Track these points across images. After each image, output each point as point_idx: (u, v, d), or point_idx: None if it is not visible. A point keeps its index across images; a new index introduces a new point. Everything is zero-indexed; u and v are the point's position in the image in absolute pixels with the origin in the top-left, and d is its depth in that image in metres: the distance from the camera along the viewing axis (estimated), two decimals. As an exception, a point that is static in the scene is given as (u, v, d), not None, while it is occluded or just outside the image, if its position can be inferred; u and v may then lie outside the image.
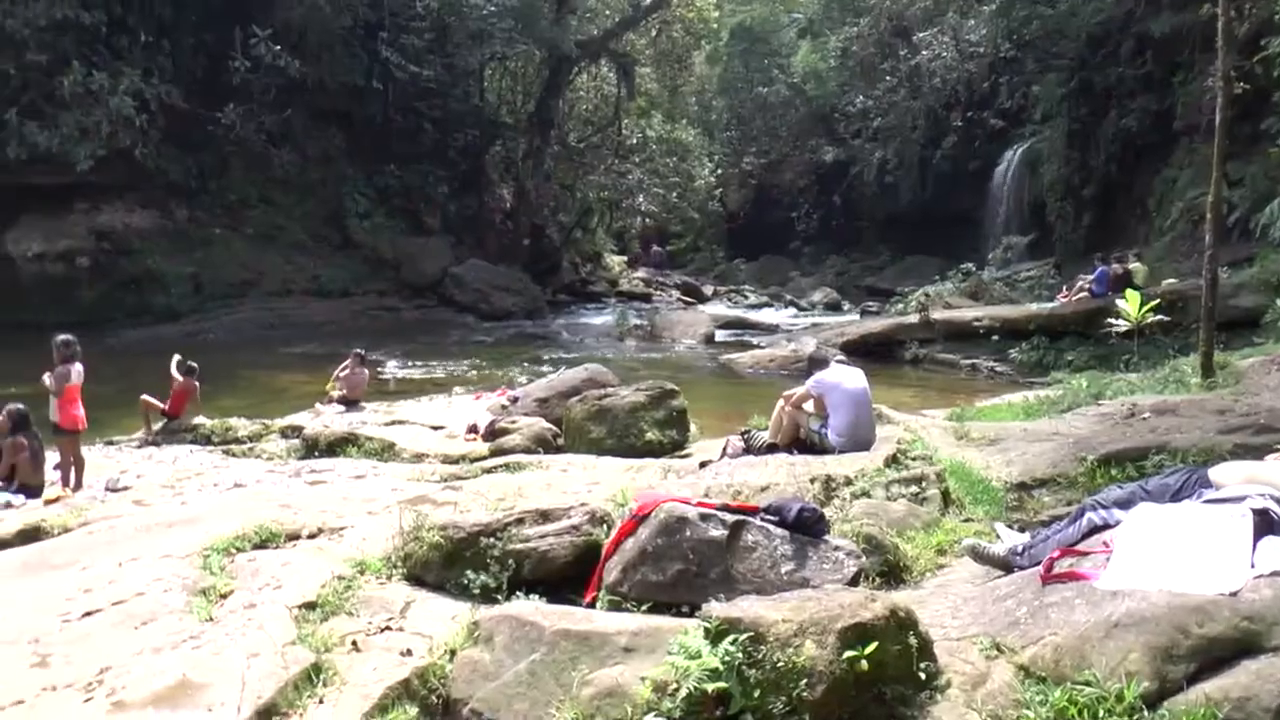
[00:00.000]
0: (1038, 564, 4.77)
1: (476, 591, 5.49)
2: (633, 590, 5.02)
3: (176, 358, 15.10)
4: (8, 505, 9.92)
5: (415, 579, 5.84)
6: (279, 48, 30.12)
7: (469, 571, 5.58)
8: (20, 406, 10.88)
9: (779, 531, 5.20)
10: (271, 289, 31.90)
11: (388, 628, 5.16)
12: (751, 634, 3.82)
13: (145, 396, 14.38)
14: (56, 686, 4.68)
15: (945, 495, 7.11)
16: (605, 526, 5.76)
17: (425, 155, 37.24)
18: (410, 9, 35.13)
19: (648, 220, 52.03)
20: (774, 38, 55.39)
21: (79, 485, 10.67)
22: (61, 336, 10.86)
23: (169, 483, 10.59)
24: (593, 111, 46.57)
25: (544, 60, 40.59)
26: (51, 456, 11.04)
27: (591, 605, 5.06)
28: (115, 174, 29.40)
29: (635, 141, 44.69)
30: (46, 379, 10.71)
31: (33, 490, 10.47)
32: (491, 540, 5.65)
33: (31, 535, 8.12)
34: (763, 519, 5.28)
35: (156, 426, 14.25)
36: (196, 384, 14.70)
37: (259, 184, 33.33)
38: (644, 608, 4.83)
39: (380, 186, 35.80)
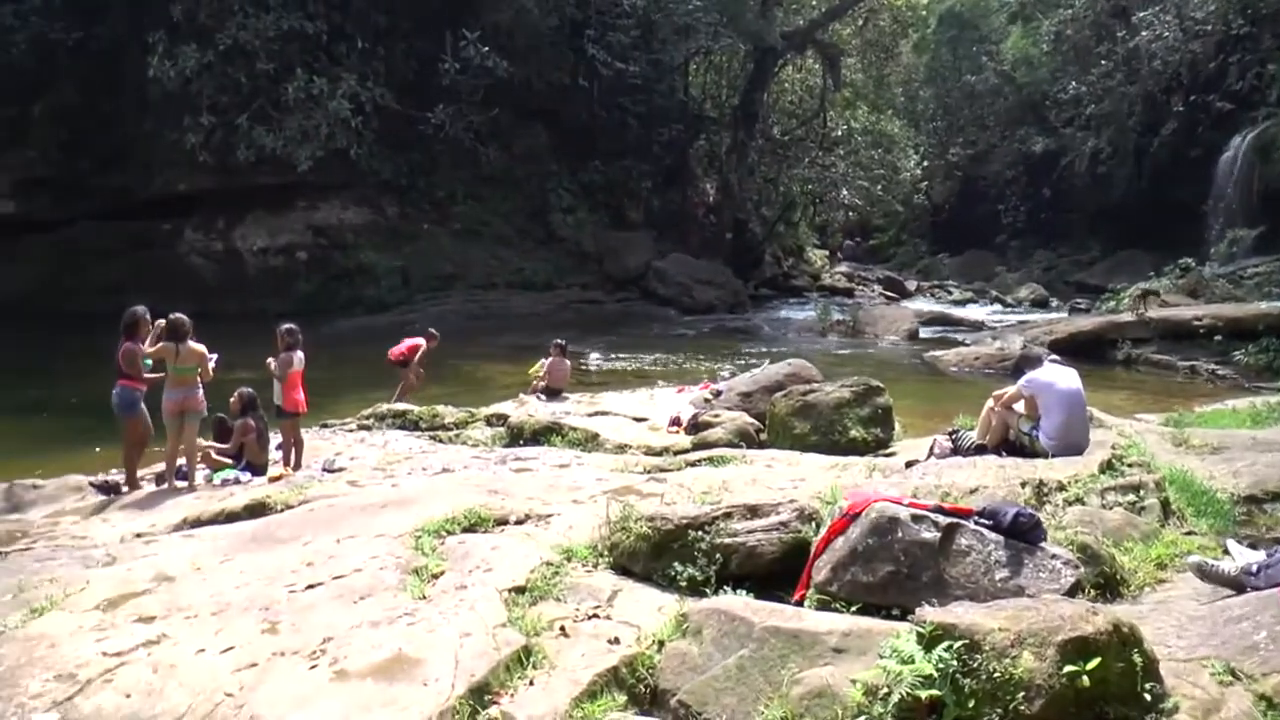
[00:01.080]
0: (1276, 585, 4.42)
1: (683, 584, 5.47)
2: (842, 590, 4.92)
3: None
4: (236, 481, 10.57)
5: (622, 568, 5.88)
6: (487, 49, 30.99)
7: (676, 563, 5.58)
8: (250, 390, 11.56)
9: (993, 536, 5.00)
10: (476, 282, 32.90)
11: (595, 615, 5.21)
12: (967, 641, 3.67)
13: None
14: (285, 652, 4.94)
15: (1165, 505, 6.71)
16: (814, 524, 5.66)
17: (629, 150, 37.69)
18: (616, 6, 35.56)
19: (851, 214, 51.18)
20: (984, 23, 53.54)
21: (299, 465, 11.23)
22: (285, 325, 11.38)
23: (380, 465, 11.05)
24: (797, 104, 46.11)
25: (748, 53, 40.42)
26: (274, 437, 11.68)
27: (799, 603, 4.98)
28: (332, 173, 31.11)
29: (840, 133, 43.94)
30: (271, 364, 11.26)
31: (258, 468, 11.12)
32: (699, 534, 5.63)
33: (258, 510, 8.63)
34: (977, 523, 5.09)
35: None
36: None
37: (466, 181, 34.44)
38: (853, 608, 4.73)
39: (584, 182, 36.41)
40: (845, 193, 44.42)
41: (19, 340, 25.27)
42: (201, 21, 29.51)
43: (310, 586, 5.81)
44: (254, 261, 32.55)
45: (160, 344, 10.17)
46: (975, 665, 3.63)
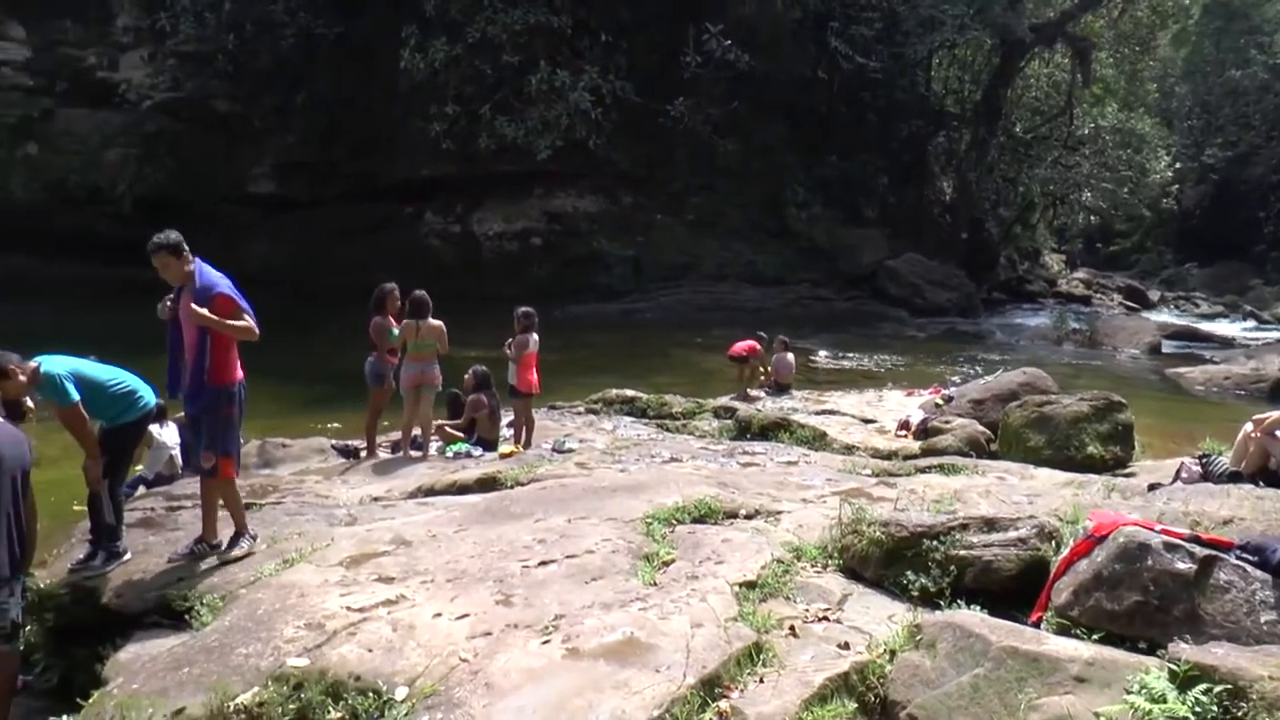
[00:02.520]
0: None
1: (915, 593, 5.39)
2: (1083, 616, 4.71)
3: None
4: (468, 455, 11.01)
5: (851, 572, 5.84)
6: (729, 42, 30.99)
7: (909, 572, 5.50)
8: (483, 368, 12.01)
9: (1258, 574, 4.66)
10: (707, 273, 33.10)
11: (825, 618, 5.20)
12: (1229, 686, 3.48)
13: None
14: (518, 625, 5.13)
15: None
16: (1053, 543, 5.46)
17: (866, 146, 37.08)
18: (861, -1, 35.09)
19: (1093, 217, 48.78)
20: (1256, 13, 49.80)
21: (529, 444, 11.59)
22: (522, 309, 11.68)
23: (609, 450, 11.29)
24: (1042, 100, 44.08)
25: (994, 47, 39.05)
26: (505, 415, 12.11)
27: (1036, 625, 4.82)
28: (570, 163, 31.86)
29: (1086, 132, 41.65)
30: (507, 346, 11.61)
31: (489, 444, 11.54)
32: (934, 543, 5.52)
33: (489, 484, 8.99)
34: (1238, 557, 4.75)
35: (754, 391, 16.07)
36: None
37: (701, 173, 34.56)
38: (1095, 636, 4.53)
39: (820, 176, 36.03)
40: (1088, 195, 42.35)
41: (271, 310, 26.90)
42: (452, 16, 30.75)
43: (543, 563, 6.01)
44: (490, 245, 33.79)
45: (403, 321, 10.69)
46: (1239, 714, 3.43)
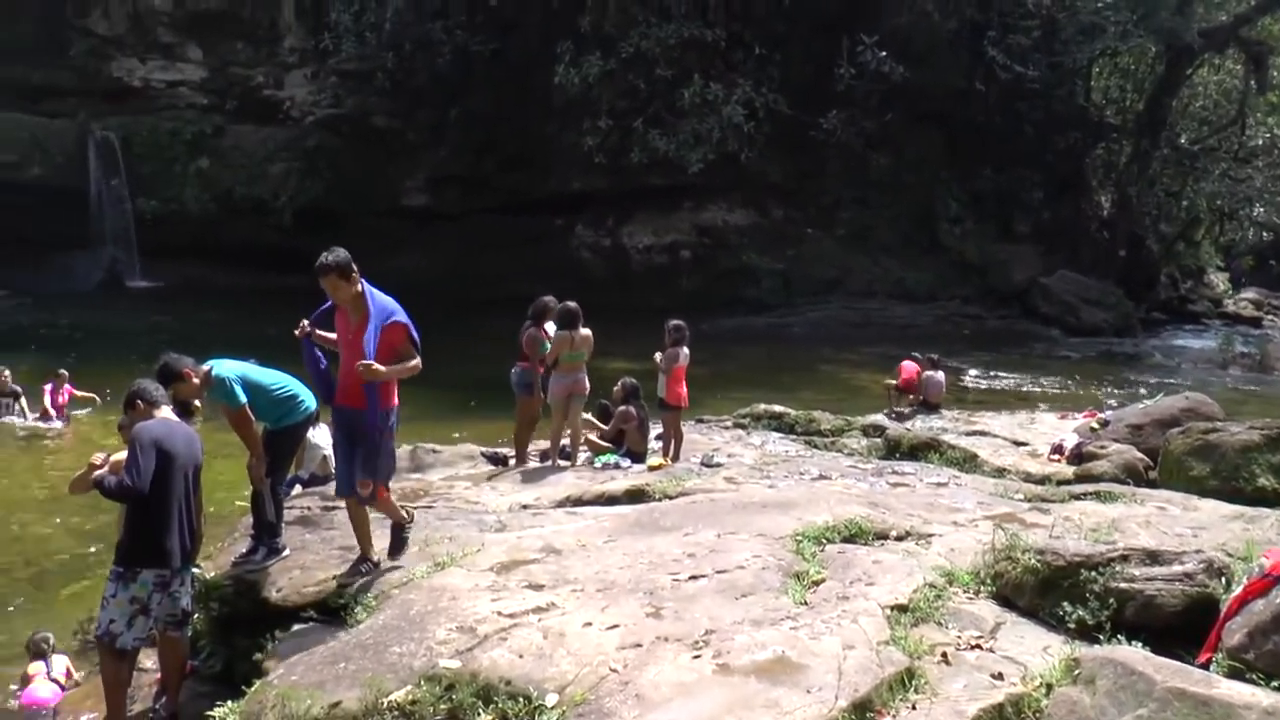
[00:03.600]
0: None
1: (1072, 625, 5.25)
2: (1259, 660, 4.49)
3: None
4: (616, 466, 11.09)
5: (1004, 600, 5.72)
6: (884, 54, 30.67)
7: (1065, 603, 5.35)
8: (633, 380, 12.09)
9: None
10: (856, 289, 32.76)
11: (977, 646, 5.11)
12: None
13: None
14: (668, 638, 5.17)
15: None
16: (1223, 580, 5.25)
17: (1021, 158, 36.10)
18: (1020, 7, 34.09)
19: (1265, 234, 46.39)
20: None
21: (677, 457, 11.59)
22: (674, 321, 11.65)
23: (757, 465, 11.28)
24: (1210, 109, 41.92)
25: (1159, 54, 37.44)
26: (654, 428, 12.17)
27: (1205, 666, 4.65)
28: (720, 176, 31.93)
29: (1260, 142, 39.37)
30: (658, 358, 11.62)
31: (637, 456, 11.58)
32: (1092, 574, 5.37)
33: (637, 496, 9.06)
34: None
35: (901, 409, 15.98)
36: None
37: (853, 186, 34.25)
38: (1274, 683, 4.34)
39: (973, 190, 35.30)
40: (1260, 209, 40.21)
41: (423, 319, 27.74)
42: (606, 31, 31.26)
43: (693, 577, 6.05)
44: (639, 258, 34.17)
45: (557, 331, 10.79)
46: None
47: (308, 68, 36.08)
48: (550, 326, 10.72)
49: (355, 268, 6.48)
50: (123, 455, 6.16)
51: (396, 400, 6.74)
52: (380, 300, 6.51)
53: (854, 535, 6.92)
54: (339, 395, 6.71)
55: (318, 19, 34.53)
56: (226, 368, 6.98)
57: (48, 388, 16.41)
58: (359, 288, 6.47)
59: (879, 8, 32.75)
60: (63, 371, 16.59)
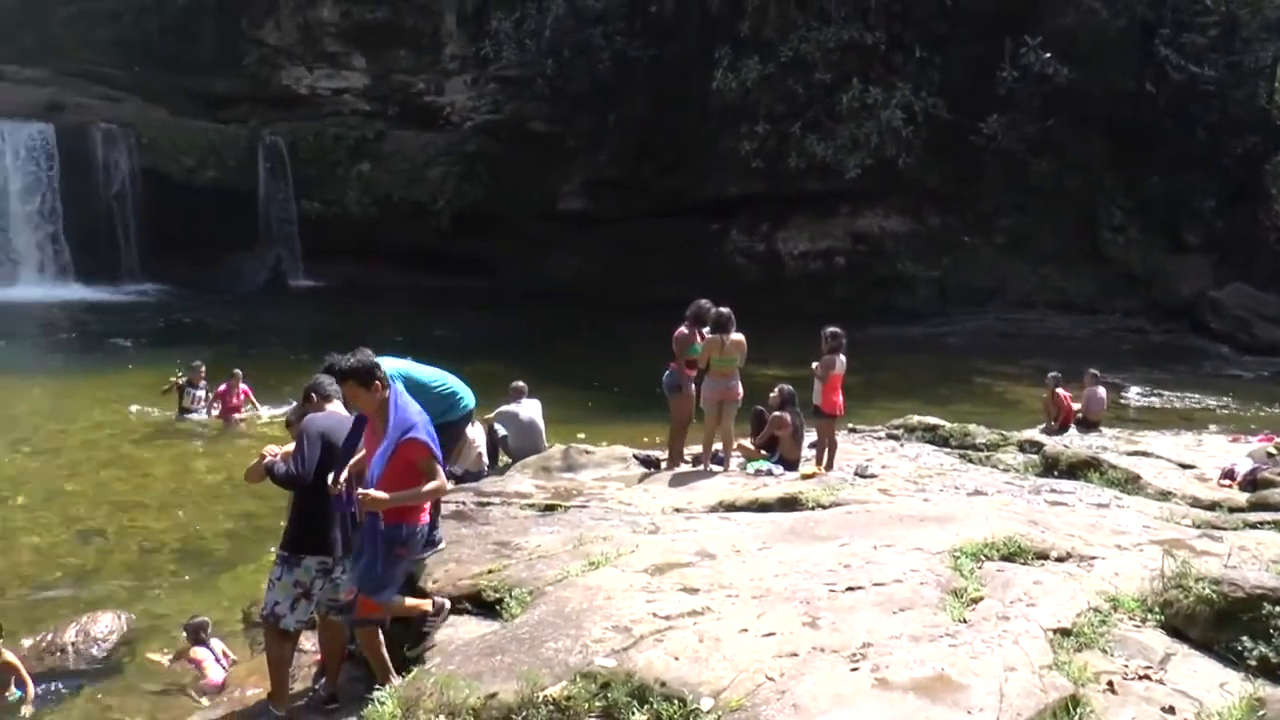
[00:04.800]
0: None
1: (1252, 662, 4.97)
2: None
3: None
4: (769, 473, 11.06)
5: (1174, 630, 5.47)
6: (1048, 55, 29.82)
7: (1244, 637, 5.08)
8: (789, 387, 12.05)
9: None
10: (1014, 298, 31.96)
11: (1146, 676, 4.89)
12: None
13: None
14: (824, 649, 5.09)
15: None
16: None
17: (1193, 164, 34.40)
18: (1196, 4, 32.59)
19: None
20: None
21: (830, 465, 11.48)
22: (831, 329, 11.50)
23: (912, 478, 11.05)
24: None
25: (1352, 53, 35.44)
26: (808, 435, 12.10)
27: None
28: (877, 181, 31.56)
29: None
30: (814, 366, 11.53)
31: (790, 463, 11.54)
32: (1276, 608, 5.09)
33: (790, 503, 9.02)
34: None
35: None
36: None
37: (1013, 192, 33.37)
38: None
39: (1139, 197, 33.90)
40: None
41: (579, 321, 28.36)
42: (766, 35, 31.24)
43: (850, 589, 5.95)
44: (793, 265, 34.09)
45: (709, 336, 10.76)
46: None
47: (468, 74, 37.27)
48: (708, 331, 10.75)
49: (380, 373, 5.90)
50: (293, 447, 6.43)
51: (424, 519, 6.19)
52: (403, 412, 5.90)
53: (1013, 553, 6.71)
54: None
55: (478, 27, 35.58)
56: (389, 365, 7.19)
57: (222, 388, 17.06)
58: (384, 395, 5.91)
59: (1043, 7, 31.88)
60: (237, 371, 17.31)
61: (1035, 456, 12.71)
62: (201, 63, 38.45)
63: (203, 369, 17.28)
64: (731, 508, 9.07)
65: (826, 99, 30.94)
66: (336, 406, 6.62)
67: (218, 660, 8.16)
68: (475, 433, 10.77)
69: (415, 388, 7.17)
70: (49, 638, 8.63)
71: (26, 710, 7.61)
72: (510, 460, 12.12)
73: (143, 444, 15.40)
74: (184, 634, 8.46)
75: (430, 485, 5.88)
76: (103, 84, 37.00)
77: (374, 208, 36.22)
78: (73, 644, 8.54)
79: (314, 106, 38.58)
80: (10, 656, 7.82)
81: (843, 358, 11.41)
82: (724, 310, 10.74)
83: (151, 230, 33.68)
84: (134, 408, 17.15)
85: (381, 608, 6.01)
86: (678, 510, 8.91)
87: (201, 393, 17.13)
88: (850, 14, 30.91)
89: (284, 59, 38.83)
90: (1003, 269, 32.42)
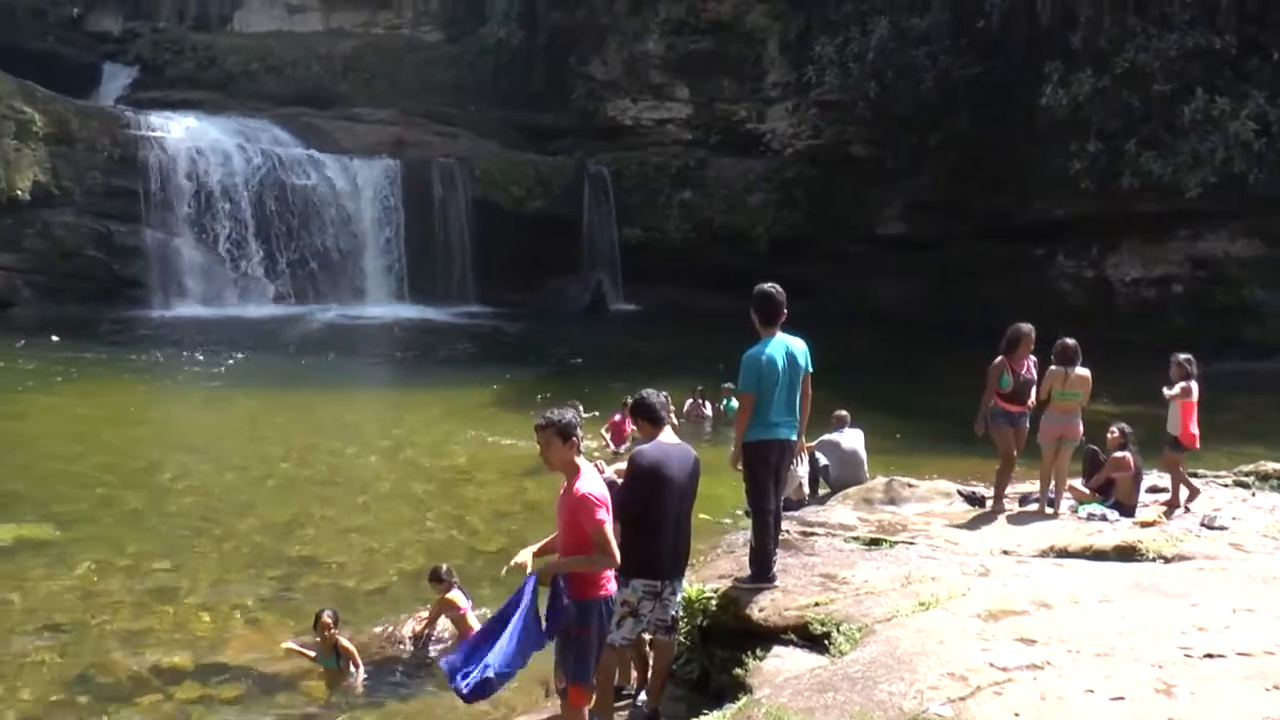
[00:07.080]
0: None
1: None
2: None
3: None
4: (1103, 518, 10.36)
5: None
6: None
7: None
8: (1124, 425, 11.25)
9: None
10: None
11: None
12: None
13: None
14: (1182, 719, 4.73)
15: None
16: None
17: None
18: None
19: None
20: None
21: (1177, 505, 10.71)
22: (1182, 355, 10.95)
23: (1269, 533, 10.09)
24: None
25: None
26: (1145, 478, 11.24)
27: None
28: (1222, 201, 28.96)
29: None
30: (1166, 392, 10.88)
31: (1126, 509, 10.77)
32: None
33: (1127, 553, 8.47)
34: None
35: None
36: None
37: (1386, 213, 29.84)
38: None
39: None
40: None
41: (897, 347, 27.83)
42: (1099, 46, 29.59)
43: (1208, 655, 5.52)
44: (1124, 291, 32.29)
45: (1050, 368, 10.28)
46: None
47: (789, 101, 37.68)
48: (1031, 360, 10.26)
49: (579, 434, 5.85)
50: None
51: (607, 590, 6.00)
52: (588, 481, 5.81)
53: (1407, 628, 5.98)
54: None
55: (800, 53, 35.74)
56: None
57: (616, 417, 16.97)
58: (576, 456, 5.85)
59: None
60: (627, 399, 17.55)
61: None
62: (531, 98, 40.83)
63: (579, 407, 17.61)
64: (1064, 554, 8.65)
65: (1166, 112, 28.80)
66: (666, 434, 6.79)
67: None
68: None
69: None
70: (389, 630, 9.38)
71: (359, 688, 8.46)
72: (829, 490, 11.98)
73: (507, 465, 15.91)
74: (432, 584, 9.19)
75: (601, 555, 5.75)
76: (441, 122, 40.25)
77: (693, 234, 37.24)
78: (410, 637, 9.27)
79: (638, 136, 40.16)
80: (346, 642, 8.66)
81: (1195, 384, 10.78)
82: (1070, 342, 10.32)
83: (482, 256, 36.04)
84: (505, 441, 17.15)
85: (588, 695, 6.03)
86: (1006, 553, 8.59)
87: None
88: (1195, 17, 28.67)
89: (610, 92, 40.58)
90: (1371, 299, 28.98)
